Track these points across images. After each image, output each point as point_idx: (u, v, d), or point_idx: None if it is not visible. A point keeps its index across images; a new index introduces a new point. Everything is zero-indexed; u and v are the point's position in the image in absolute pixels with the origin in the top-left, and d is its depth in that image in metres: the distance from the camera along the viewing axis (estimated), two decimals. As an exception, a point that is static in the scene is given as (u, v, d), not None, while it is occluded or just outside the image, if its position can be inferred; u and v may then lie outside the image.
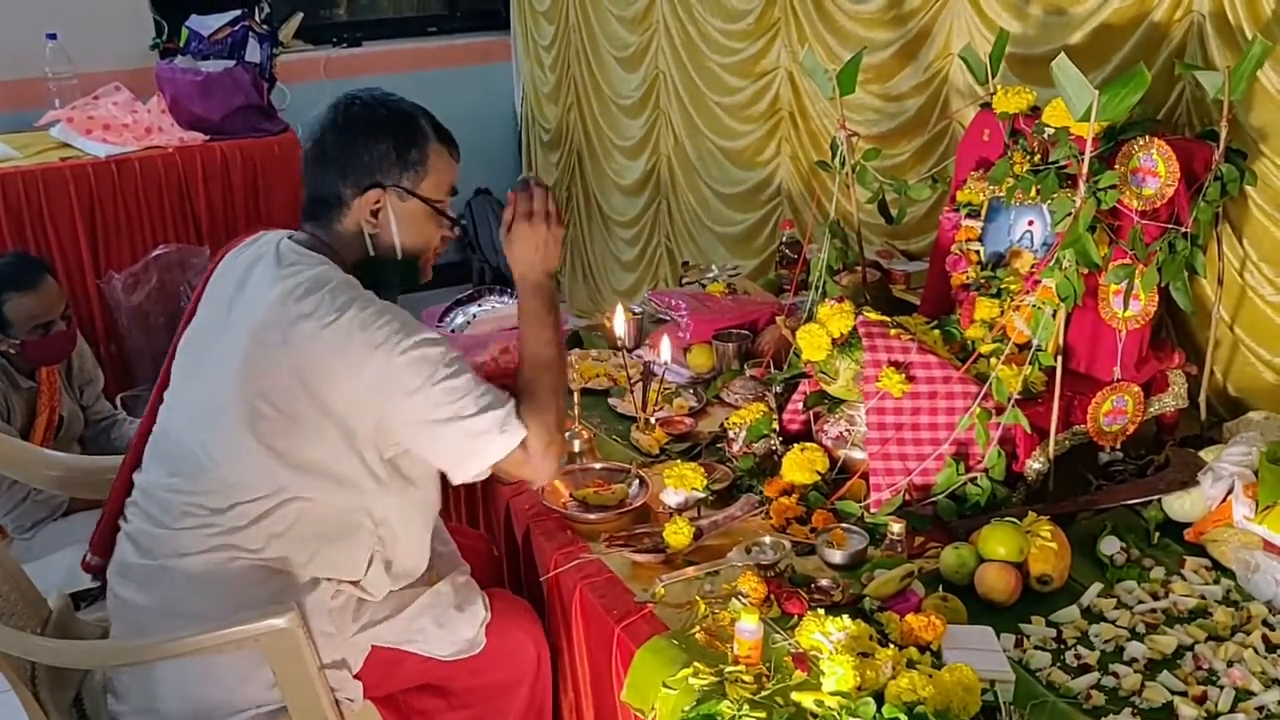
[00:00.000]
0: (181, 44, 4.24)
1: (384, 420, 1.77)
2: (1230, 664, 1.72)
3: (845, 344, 2.17)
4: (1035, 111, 2.32)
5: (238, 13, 4.21)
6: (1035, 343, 2.10)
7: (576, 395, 2.36)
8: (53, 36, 4.13)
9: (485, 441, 1.78)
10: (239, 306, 1.84)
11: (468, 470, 1.82)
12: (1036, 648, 1.77)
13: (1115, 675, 1.71)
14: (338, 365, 1.73)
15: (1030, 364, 2.11)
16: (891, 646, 1.70)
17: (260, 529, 1.80)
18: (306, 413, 1.76)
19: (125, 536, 1.92)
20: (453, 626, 2.00)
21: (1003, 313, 2.25)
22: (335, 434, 1.77)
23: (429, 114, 1.93)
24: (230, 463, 1.79)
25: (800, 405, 2.33)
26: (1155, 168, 2.11)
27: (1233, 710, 1.63)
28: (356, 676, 1.92)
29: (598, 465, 2.28)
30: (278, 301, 1.76)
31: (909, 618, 1.75)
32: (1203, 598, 1.88)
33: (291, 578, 1.83)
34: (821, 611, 1.76)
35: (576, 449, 2.31)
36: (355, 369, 1.73)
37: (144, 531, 1.87)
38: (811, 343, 2.18)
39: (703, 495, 2.12)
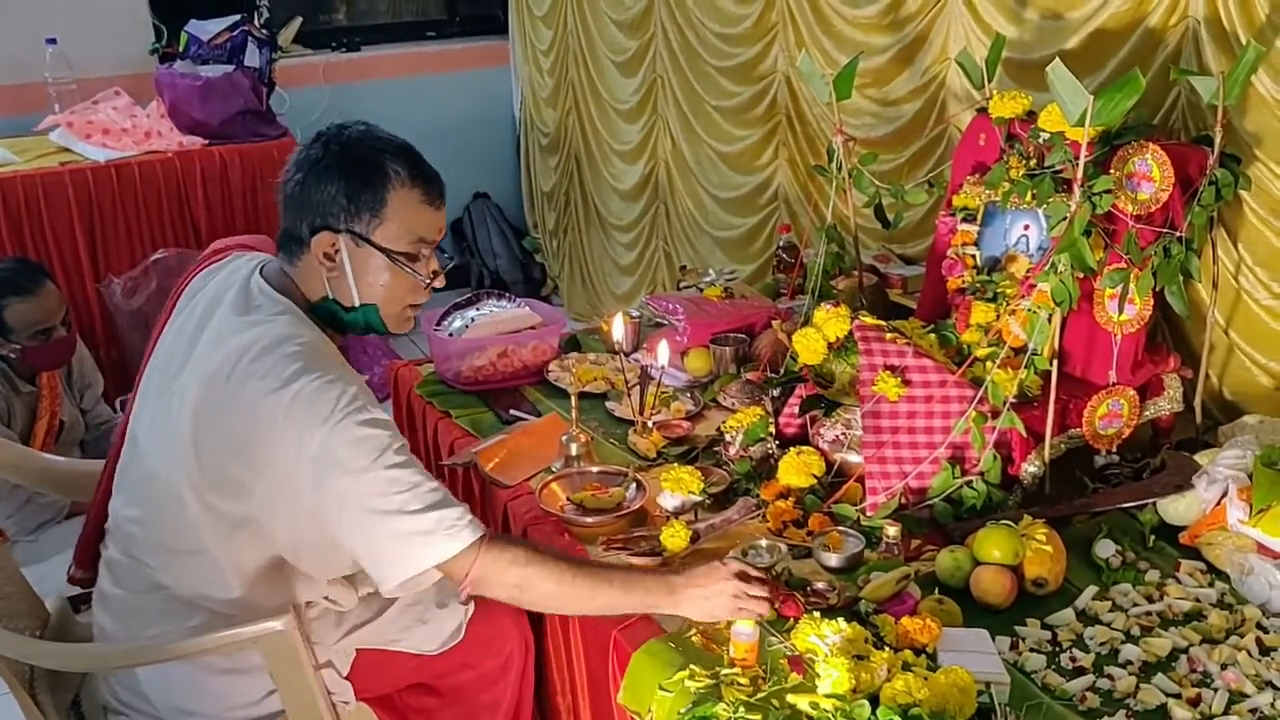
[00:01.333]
0: (181, 49, 4.25)
1: (316, 508, 1.66)
2: (1224, 666, 1.73)
3: (841, 348, 2.18)
4: (1031, 116, 2.33)
5: (237, 18, 4.22)
6: (1031, 347, 2.11)
7: (574, 399, 2.37)
8: (52, 41, 4.14)
9: (424, 543, 1.64)
10: (200, 347, 1.75)
11: (400, 572, 1.66)
12: (1032, 650, 1.78)
13: (1110, 678, 1.71)
14: (280, 433, 1.62)
15: (1026, 368, 2.12)
16: (887, 649, 1.71)
17: (219, 576, 1.77)
18: (239, 475, 1.68)
19: (104, 563, 1.89)
20: (437, 622, 2.00)
21: (998, 317, 2.26)
22: (260, 498, 1.69)
23: (406, 154, 1.76)
24: (176, 510, 1.73)
25: (797, 409, 2.33)
26: (1150, 172, 2.12)
27: (1226, 713, 1.64)
28: (346, 678, 1.93)
29: (595, 469, 2.29)
30: (233, 356, 1.67)
31: (905, 620, 1.76)
32: (1197, 600, 1.89)
33: (262, 609, 1.78)
34: (817, 614, 1.77)
35: (574, 452, 2.31)
36: (296, 442, 1.62)
37: (118, 561, 1.85)
38: (808, 346, 2.19)
39: (700, 499, 2.12)
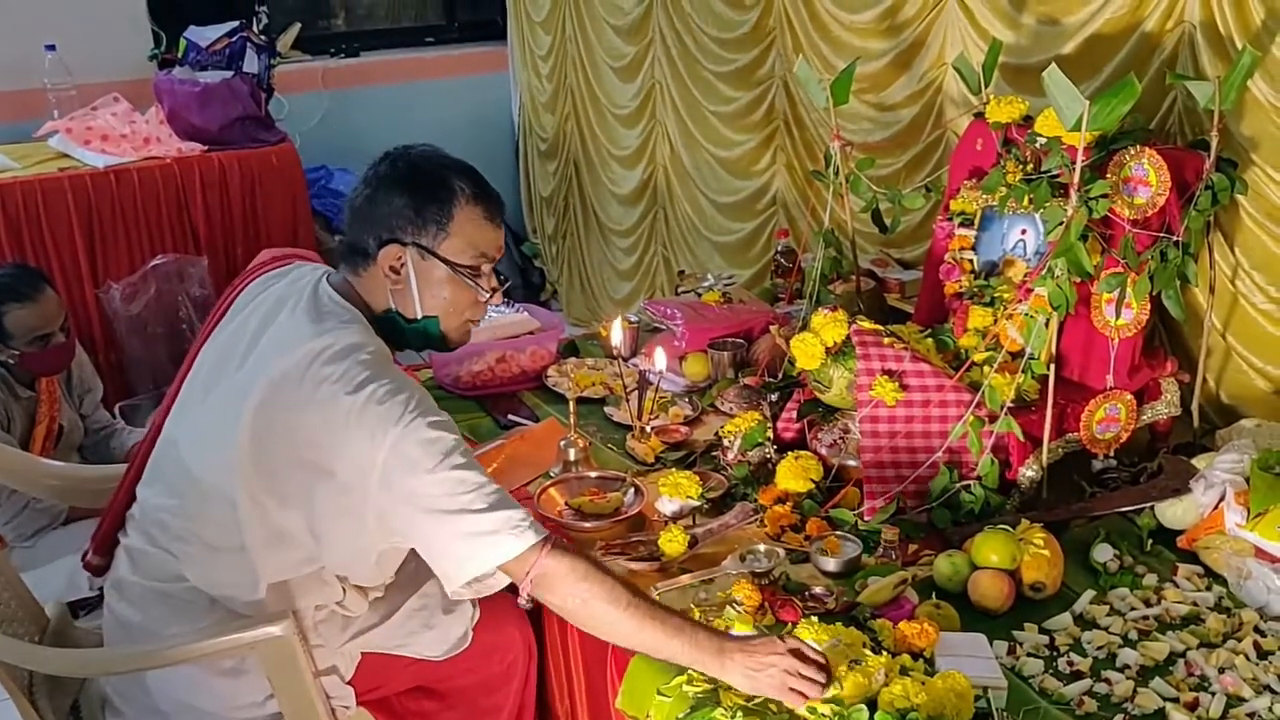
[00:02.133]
0: (180, 55, 4.25)
1: (386, 508, 1.68)
2: (1222, 670, 1.73)
3: (839, 353, 2.18)
4: (1028, 121, 2.33)
5: (236, 24, 4.22)
6: (1028, 351, 2.11)
7: (572, 404, 2.37)
8: (51, 48, 4.14)
9: (489, 543, 1.65)
10: (262, 346, 1.78)
11: (464, 571, 1.68)
12: (1029, 655, 1.78)
13: (1108, 682, 1.72)
14: (352, 435, 1.66)
15: (1023, 372, 2.12)
16: (884, 653, 1.71)
17: (248, 576, 1.78)
18: (301, 479, 1.71)
19: (123, 550, 1.91)
20: (443, 628, 2.02)
21: (996, 321, 2.26)
22: (323, 504, 1.72)
23: (470, 173, 1.83)
24: (222, 508, 1.75)
25: (795, 414, 2.34)
26: (1146, 177, 2.12)
27: (1224, 717, 1.65)
28: (349, 683, 1.93)
29: (593, 474, 2.29)
30: (304, 359, 1.69)
31: (902, 625, 1.76)
32: (1195, 604, 1.90)
33: (277, 609, 1.80)
34: (815, 619, 1.77)
35: (572, 458, 2.31)
36: (367, 442, 1.65)
37: (141, 550, 1.86)
38: (805, 351, 2.19)
39: (698, 503, 2.12)
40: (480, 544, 1.66)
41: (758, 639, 1.68)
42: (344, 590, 1.87)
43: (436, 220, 1.78)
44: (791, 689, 1.60)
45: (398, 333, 1.85)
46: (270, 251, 2.04)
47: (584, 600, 1.68)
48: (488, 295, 1.85)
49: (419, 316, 1.84)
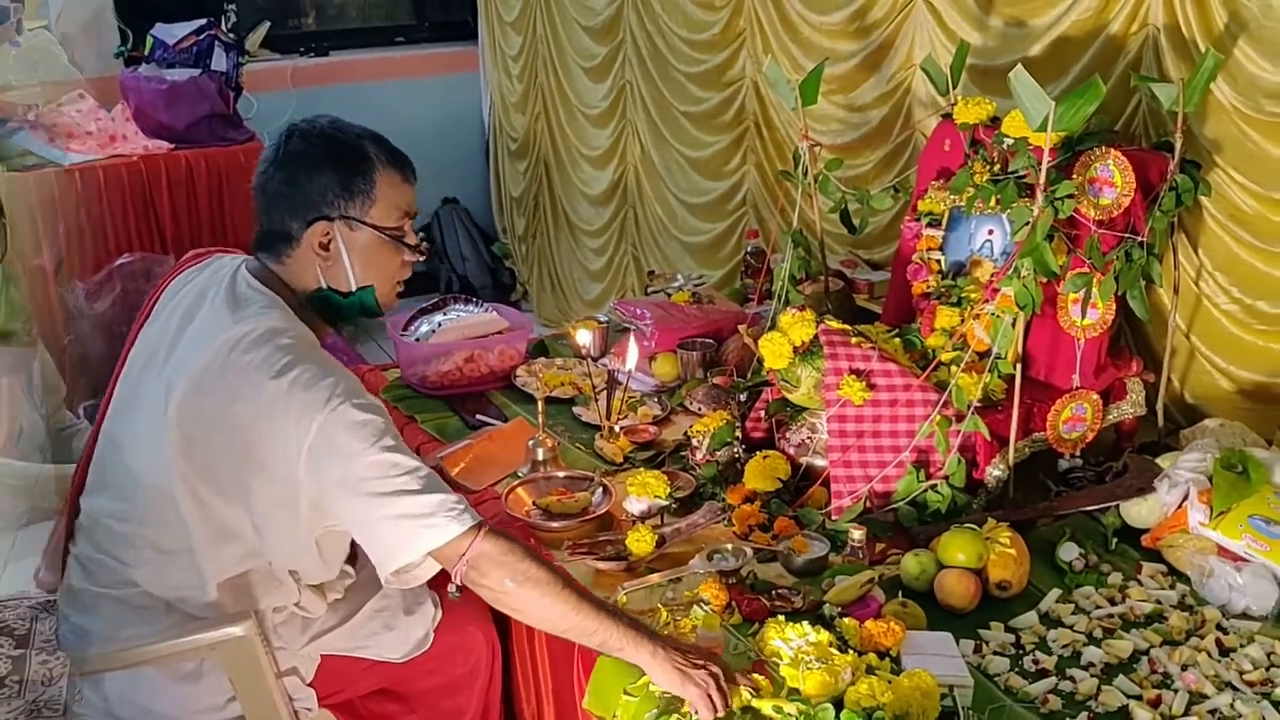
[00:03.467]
0: (147, 52, 4.22)
1: (317, 494, 1.68)
2: (1185, 668, 1.74)
3: (807, 352, 2.18)
4: (995, 122, 2.34)
5: (204, 21, 4.20)
6: (995, 351, 2.12)
7: (541, 404, 2.36)
8: (16, 44, 4.09)
9: (424, 524, 1.64)
10: (185, 340, 1.77)
11: (399, 556, 1.66)
12: (995, 653, 1.79)
13: (1072, 680, 1.72)
14: (278, 421, 1.65)
15: (990, 372, 2.13)
16: (851, 652, 1.71)
17: (197, 578, 1.77)
18: (236, 474, 1.70)
19: (74, 560, 1.88)
20: (403, 629, 2.00)
21: (963, 321, 2.27)
22: (258, 496, 1.71)
23: (377, 138, 1.86)
24: (165, 509, 1.74)
25: (763, 413, 2.34)
26: (1112, 178, 2.14)
27: (1186, 714, 1.65)
28: (310, 685, 1.92)
29: (561, 473, 2.28)
30: (224, 348, 1.69)
31: (869, 624, 1.76)
32: (1158, 602, 1.91)
33: (236, 611, 1.79)
34: (782, 618, 1.77)
35: (540, 457, 2.31)
36: (293, 426, 1.64)
37: (91, 558, 1.84)
38: (773, 351, 2.19)
39: (665, 503, 2.12)
40: (416, 526, 1.65)
41: (693, 644, 1.69)
42: (299, 590, 1.86)
43: (363, 191, 1.80)
44: (710, 696, 1.60)
45: (333, 309, 1.86)
46: (195, 251, 2.02)
47: (520, 582, 1.66)
48: (413, 252, 1.88)
49: (354, 288, 1.85)
